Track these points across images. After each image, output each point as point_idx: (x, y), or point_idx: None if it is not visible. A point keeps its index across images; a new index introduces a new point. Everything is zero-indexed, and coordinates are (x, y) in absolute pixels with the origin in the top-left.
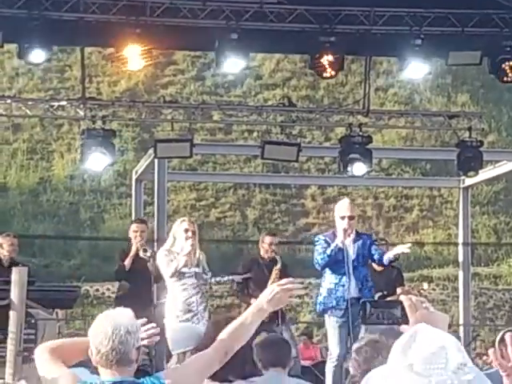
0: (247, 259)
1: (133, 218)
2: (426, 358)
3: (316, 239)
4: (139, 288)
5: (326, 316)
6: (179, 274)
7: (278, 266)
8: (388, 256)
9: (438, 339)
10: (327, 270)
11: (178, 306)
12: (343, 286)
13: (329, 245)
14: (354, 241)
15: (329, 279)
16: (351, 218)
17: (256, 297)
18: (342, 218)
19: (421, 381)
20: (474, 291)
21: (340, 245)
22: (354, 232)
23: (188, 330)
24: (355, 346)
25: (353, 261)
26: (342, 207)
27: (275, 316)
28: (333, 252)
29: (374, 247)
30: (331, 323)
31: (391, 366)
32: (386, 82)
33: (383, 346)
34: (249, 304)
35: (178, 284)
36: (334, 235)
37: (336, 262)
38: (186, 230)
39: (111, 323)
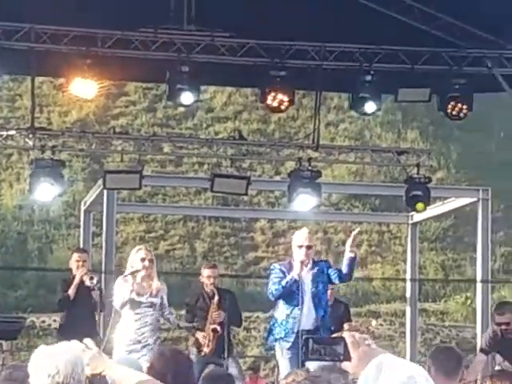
0: (193, 293)
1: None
2: None
3: (271, 267)
4: (83, 317)
5: (276, 347)
6: (133, 303)
7: (215, 299)
8: (346, 257)
9: (405, 369)
10: (280, 301)
11: (129, 335)
12: (294, 318)
13: (284, 274)
14: (311, 270)
15: (281, 310)
16: (309, 247)
17: (201, 330)
18: (300, 247)
19: None
20: (420, 327)
21: (296, 277)
22: (310, 262)
23: (128, 362)
24: (292, 378)
25: (312, 291)
26: (300, 236)
27: (221, 349)
28: (288, 284)
29: (330, 270)
30: (280, 354)
31: None
32: (336, 117)
33: (324, 379)
34: (194, 336)
35: (131, 313)
36: (291, 265)
37: (290, 294)
38: (143, 259)
39: (70, 359)
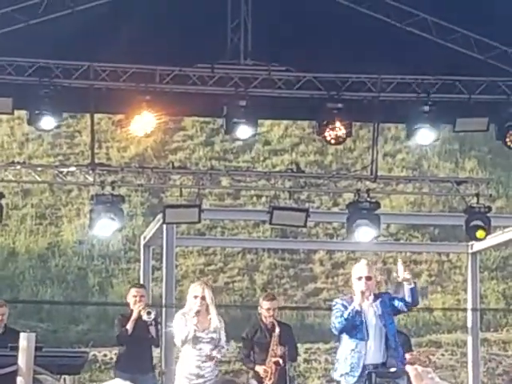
0: (250, 325)
1: (142, 282)
2: None
3: (333, 303)
4: (140, 352)
5: (342, 382)
6: (194, 339)
7: (277, 331)
8: (406, 289)
9: None
10: (344, 336)
11: (191, 369)
12: (359, 352)
13: (346, 309)
14: (373, 302)
15: (345, 344)
16: (368, 278)
17: (260, 363)
18: (359, 278)
19: None
20: (483, 357)
21: (358, 308)
22: (372, 295)
23: None
24: None
25: (378, 324)
26: (359, 268)
27: (283, 382)
28: (350, 315)
29: (394, 300)
30: None
31: None
32: (393, 147)
33: None
34: (253, 370)
35: (192, 348)
36: (352, 300)
37: (353, 327)
38: (195, 297)
39: None
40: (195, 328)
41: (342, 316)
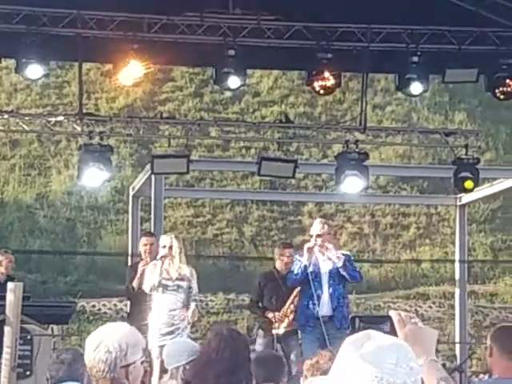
0: (263, 274)
1: (129, 234)
2: (380, 351)
3: (294, 259)
4: (144, 308)
5: (300, 331)
6: (162, 287)
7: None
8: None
9: (390, 339)
10: (304, 288)
11: (161, 318)
12: (314, 304)
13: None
14: (330, 260)
15: (303, 297)
16: (318, 236)
17: (272, 310)
18: (311, 236)
19: (372, 369)
20: (470, 309)
21: (306, 262)
22: (330, 250)
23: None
24: (316, 359)
25: (328, 279)
26: (313, 226)
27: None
28: (299, 270)
29: (347, 269)
30: (303, 340)
31: (341, 357)
32: (383, 99)
33: None
34: (264, 317)
35: (161, 297)
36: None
37: (306, 282)
38: (164, 247)
39: (96, 340)
40: (161, 273)
41: (293, 271)
